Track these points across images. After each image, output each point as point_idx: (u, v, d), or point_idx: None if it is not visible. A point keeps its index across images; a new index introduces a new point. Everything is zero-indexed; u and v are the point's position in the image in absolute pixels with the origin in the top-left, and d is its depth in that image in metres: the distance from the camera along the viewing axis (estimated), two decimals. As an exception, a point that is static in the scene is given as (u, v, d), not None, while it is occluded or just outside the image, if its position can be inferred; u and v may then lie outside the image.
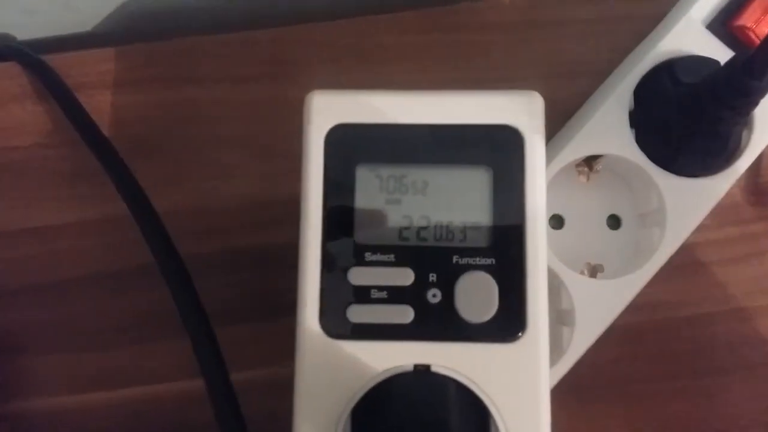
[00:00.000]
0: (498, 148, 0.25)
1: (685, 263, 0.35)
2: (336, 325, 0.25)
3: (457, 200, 0.25)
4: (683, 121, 0.30)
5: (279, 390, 0.34)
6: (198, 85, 0.37)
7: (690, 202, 0.32)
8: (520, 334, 0.24)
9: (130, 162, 0.34)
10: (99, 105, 0.37)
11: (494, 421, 0.24)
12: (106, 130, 0.36)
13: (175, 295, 0.30)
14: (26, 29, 0.39)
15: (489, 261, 0.25)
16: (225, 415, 0.28)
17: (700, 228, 0.33)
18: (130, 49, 0.38)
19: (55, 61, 0.37)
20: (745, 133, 0.32)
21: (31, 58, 0.37)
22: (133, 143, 0.36)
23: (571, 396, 0.32)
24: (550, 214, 0.34)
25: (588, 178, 0.34)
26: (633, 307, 0.33)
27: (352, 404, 0.24)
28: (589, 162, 0.33)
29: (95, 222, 0.36)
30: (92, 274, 0.36)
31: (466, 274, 0.25)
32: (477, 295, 0.25)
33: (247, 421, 0.30)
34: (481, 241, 0.25)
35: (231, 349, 0.31)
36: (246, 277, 0.36)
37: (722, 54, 0.32)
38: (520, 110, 0.25)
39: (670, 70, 0.32)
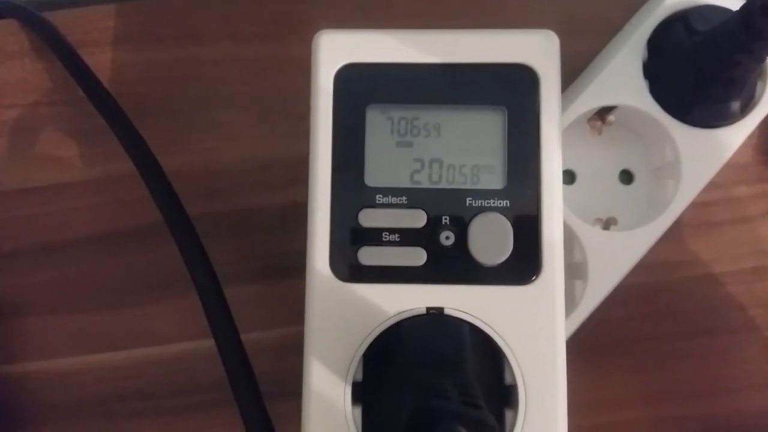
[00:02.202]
0: (512, 88, 0.25)
1: (697, 223, 0.34)
2: (347, 268, 0.24)
3: (471, 141, 0.25)
4: (698, 69, 0.30)
5: (284, 351, 0.33)
6: (200, 44, 0.36)
7: (705, 153, 0.31)
8: (534, 276, 0.24)
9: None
10: (100, 63, 0.36)
11: (509, 363, 0.23)
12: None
13: (184, 253, 0.29)
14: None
15: (503, 203, 0.24)
16: (237, 374, 0.28)
17: (712, 187, 0.33)
18: (132, 6, 0.37)
19: (54, 18, 0.36)
20: (759, 84, 0.32)
21: (31, 14, 0.36)
22: (134, 102, 0.35)
23: (582, 354, 0.31)
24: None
25: (600, 132, 0.34)
26: (645, 267, 0.32)
27: (363, 348, 0.24)
28: (602, 115, 0.33)
29: (96, 181, 0.36)
30: (94, 235, 0.35)
31: (480, 216, 0.24)
32: (491, 237, 0.24)
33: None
34: (496, 183, 0.24)
35: (235, 310, 0.30)
36: (249, 239, 0.35)
37: (736, 3, 0.31)
38: (535, 49, 0.25)
39: (684, 19, 0.31)
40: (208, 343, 0.29)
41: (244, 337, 0.29)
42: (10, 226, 0.35)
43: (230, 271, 0.31)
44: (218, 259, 0.30)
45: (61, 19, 0.36)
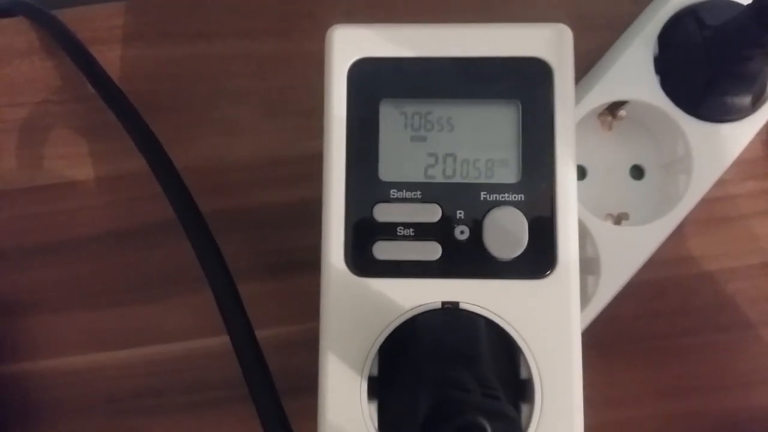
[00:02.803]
0: (526, 82, 0.25)
1: (707, 218, 0.34)
2: (362, 263, 0.24)
3: (485, 136, 0.25)
4: (710, 64, 0.30)
5: (295, 347, 0.33)
6: (209, 40, 0.36)
7: (716, 147, 0.31)
8: (549, 270, 0.24)
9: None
10: (108, 60, 0.36)
11: (525, 358, 0.23)
12: (117, 85, 0.35)
13: (197, 249, 0.29)
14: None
15: (518, 197, 0.24)
16: (252, 371, 0.27)
17: (723, 182, 0.33)
18: (141, 3, 0.37)
19: (63, 16, 0.36)
20: (770, 80, 0.32)
21: (40, 12, 0.36)
22: (143, 99, 0.35)
23: (593, 351, 0.31)
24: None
25: (611, 128, 0.33)
26: (655, 263, 0.32)
27: (379, 343, 0.24)
28: (613, 110, 0.33)
29: (107, 179, 0.36)
30: (105, 232, 0.35)
31: (495, 210, 0.24)
32: (506, 231, 0.24)
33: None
34: (510, 177, 0.24)
35: (245, 307, 0.30)
36: (258, 235, 0.35)
37: (747, -2, 0.32)
38: (548, 42, 0.25)
39: (694, 14, 0.31)
40: (220, 340, 0.29)
41: (256, 335, 0.29)
42: (22, 224, 0.35)
43: (239, 268, 0.31)
44: (227, 255, 0.30)
45: (69, 16, 0.36)
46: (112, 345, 0.34)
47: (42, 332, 0.35)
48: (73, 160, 0.36)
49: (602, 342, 0.33)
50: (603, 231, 0.31)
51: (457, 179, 0.24)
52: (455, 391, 0.20)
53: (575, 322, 0.24)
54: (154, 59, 0.36)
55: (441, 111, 0.25)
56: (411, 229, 0.24)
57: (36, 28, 0.37)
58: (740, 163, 0.33)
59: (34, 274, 0.35)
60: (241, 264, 0.33)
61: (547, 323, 0.24)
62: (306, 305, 0.27)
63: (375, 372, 0.24)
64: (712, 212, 0.34)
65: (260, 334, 0.29)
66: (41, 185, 0.36)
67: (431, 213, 0.24)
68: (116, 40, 0.36)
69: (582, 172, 0.34)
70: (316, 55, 0.26)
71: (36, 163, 0.36)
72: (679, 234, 0.32)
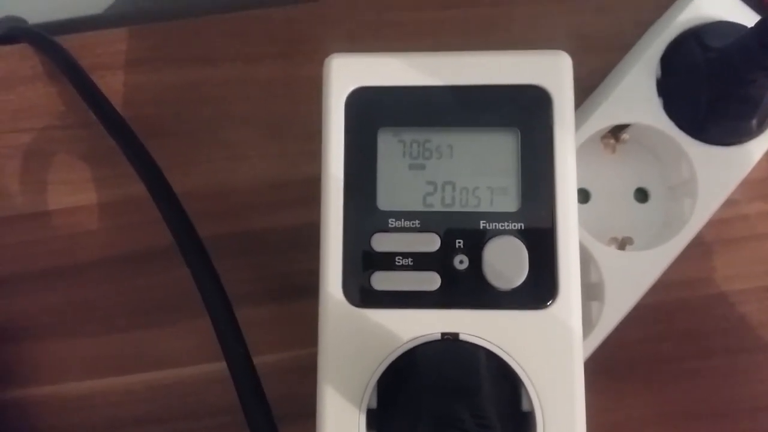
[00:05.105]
0: (525, 109, 0.24)
1: (715, 240, 0.34)
2: (360, 293, 0.24)
3: (484, 164, 0.24)
4: (713, 86, 0.30)
5: (297, 373, 0.33)
6: (211, 65, 0.37)
7: (721, 170, 0.31)
8: (551, 300, 0.24)
9: (143, 143, 0.33)
10: (112, 86, 0.36)
11: (526, 390, 0.23)
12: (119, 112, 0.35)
13: (196, 276, 0.29)
14: (38, 12, 0.39)
15: (518, 225, 0.24)
16: (249, 397, 0.27)
17: (730, 203, 0.32)
18: (143, 29, 0.37)
19: (67, 42, 0.36)
20: (776, 101, 0.31)
21: (43, 39, 0.36)
22: (146, 124, 0.35)
23: (600, 375, 0.31)
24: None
25: (614, 150, 0.33)
26: (662, 285, 0.32)
27: (378, 374, 0.23)
28: (616, 133, 0.33)
29: (109, 204, 0.36)
30: (107, 257, 0.35)
31: (495, 240, 0.24)
32: (506, 260, 0.24)
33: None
34: (510, 206, 0.24)
35: (247, 332, 0.30)
36: (261, 259, 0.35)
37: (750, 20, 0.31)
38: (547, 70, 0.25)
39: (697, 36, 0.31)
40: (221, 366, 0.29)
41: (257, 360, 0.29)
42: (24, 249, 0.35)
43: (242, 292, 0.31)
44: (230, 279, 0.30)
45: (73, 42, 0.36)
46: (113, 371, 0.34)
47: (43, 358, 0.35)
48: (75, 186, 0.36)
49: (607, 366, 0.33)
50: (607, 256, 0.30)
51: (456, 208, 0.24)
52: (453, 428, 0.20)
53: (577, 352, 0.23)
54: (157, 84, 0.36)
55: (439, 139, 0.25)
56: (409, 259, 0.24)
57: (40, 54, 0.37)
58: (747, 183, 0.32)
59: (36, 299, 0.35)
60: (243, 288, 0.33)
61: (549, 354, 0.23)
62: (307, 330, 0.27)
63: (374, 404, 0.23)
64: (719, 233, 0.34)
65: (260, 359, 0.29)
66: (44, 211, 0.36)
67: (430, 242, 0.24)
68: (119, 66, 0.37)
69: (585, 196, 0.33)
70: (319, 78, 0.26)
71: (39, 188, 0.36)
72: (685, 255, 0.32)
